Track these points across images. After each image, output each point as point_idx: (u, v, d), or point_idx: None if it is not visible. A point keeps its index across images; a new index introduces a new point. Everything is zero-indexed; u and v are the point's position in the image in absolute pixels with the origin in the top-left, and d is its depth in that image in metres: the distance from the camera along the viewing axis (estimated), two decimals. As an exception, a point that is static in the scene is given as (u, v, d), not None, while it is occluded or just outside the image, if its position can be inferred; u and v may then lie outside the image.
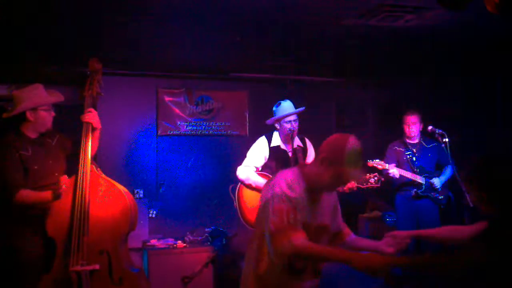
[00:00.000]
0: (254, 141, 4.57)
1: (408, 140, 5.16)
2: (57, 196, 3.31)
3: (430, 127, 4.95)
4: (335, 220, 2.63)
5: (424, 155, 5.11)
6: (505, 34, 4.39)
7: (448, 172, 5.02)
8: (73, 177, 3.47)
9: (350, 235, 2.69)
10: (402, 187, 5.11)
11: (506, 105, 5.41)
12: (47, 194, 3.34)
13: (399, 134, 5.25)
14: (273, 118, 4.43)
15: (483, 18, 3.46)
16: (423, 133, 5.10)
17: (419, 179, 4.98)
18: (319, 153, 2.42)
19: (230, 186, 4.46)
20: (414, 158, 5.09)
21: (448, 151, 4.77)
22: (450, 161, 4.76)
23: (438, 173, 5.10)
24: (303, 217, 2.34)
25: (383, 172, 4.78)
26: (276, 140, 4.44)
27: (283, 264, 2.36)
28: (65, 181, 3.33)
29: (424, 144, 5.15)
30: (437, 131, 4.90)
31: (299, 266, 2.37)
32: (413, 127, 5.07)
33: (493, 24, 3.91)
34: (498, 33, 4.39)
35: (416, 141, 5.16)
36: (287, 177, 2.39)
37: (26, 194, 3.34)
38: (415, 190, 5.01)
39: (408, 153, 5.12)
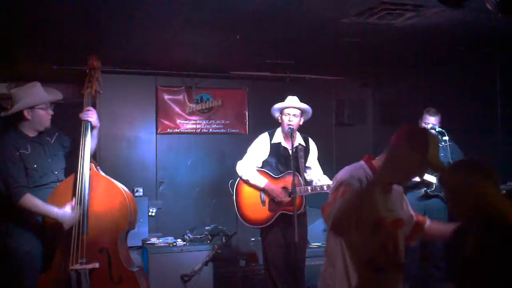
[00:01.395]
0: (253, 139, 4.57)
1: None
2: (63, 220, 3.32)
3: (429, 125, 4.94)
4: (406, 210, 2.63)
5: None
6: (505, 33, 4.38)
7: None
8: (73, 175, 3.47)
9: (426, 222, 2.68)
10: (411, 186, 5.01)
11: (506, 103, 5.40)
12: (53, 209, 3.32)
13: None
14: (275, 107, 4.43)
15: (483, 16, 3.45)
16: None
17: (430, 178, 4.93)
18: (393, 145, 2.41)
19: (230, 181, 4.47)
20: None
21: (449, 149, 4.76)
22: (450, 160, 4.75)
23: None
24: (375, 211, 2.35)
25: None
26: (278, 137, 4.45)
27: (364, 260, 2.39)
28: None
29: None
30: (436, 130, 4.90)
31: (380, 262, 2.38)
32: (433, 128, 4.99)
33: (493, 22, 3.90)
34: (498, 32, 4.38)
35: None
36: (352, 168, 2.48)
37: (34, 202, 3.30)
38: (425, 189, 4.94)
39: None
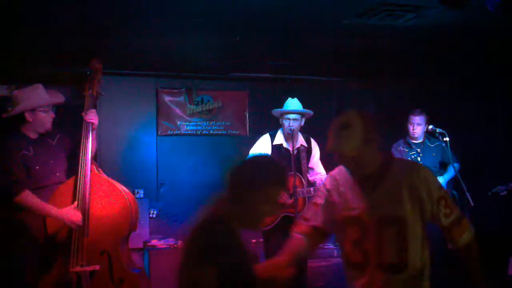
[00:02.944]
0: (254, 141, 4.57)
1: (412, 140, 5.11)
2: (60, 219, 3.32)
3: (430, 126, 4.94)
4: (413, 208, 2.24)
5: (428, 154, 5.03)
6: (505, 33, 4.39)
7: (451, 170, 4.95)
8: (74, 177, 3.47)
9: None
10: None
11: (506, 104, 5.41)
12: (52, 209, 3.32)
13: (400, 133, 5.23)
14: (275, 110, 4.43)
15: (484, 17, 3.45)
16: (426, 132, 5.05)
17: None
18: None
19: None
20: (419, 158, 5.00)
21: (449, 150, 4.76)
22: (451, 160, 4.75)
23: (442, 172, 5.04)
24: (346, 208, 2.31)
25: None
26: (279, 138, 4.44)
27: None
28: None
29: (428, 143, 5.08)
30: (437, 130, 4.89)
31: (357, 260, 2.30)
32: (417, 127, 4.99)
33: (494, 23, 3.90)
34: (499, 32, 4.38)
35: (420, 140, 5.10)
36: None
37: (31, 198, 3.31)
38: None
39: (413, 153, 5.04)
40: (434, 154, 5.04)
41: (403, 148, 5.09)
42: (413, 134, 5.04)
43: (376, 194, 2.26)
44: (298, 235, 2.46)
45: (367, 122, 2.25)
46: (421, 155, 5.04)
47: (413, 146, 5.08)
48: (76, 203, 3.37)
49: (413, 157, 5.03)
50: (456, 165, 5.01)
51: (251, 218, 2.02)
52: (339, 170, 2.41)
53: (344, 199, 2.34)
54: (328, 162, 4.85)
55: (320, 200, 2.46)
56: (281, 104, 4.49)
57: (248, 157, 2.15)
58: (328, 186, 2.44)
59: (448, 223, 2.27)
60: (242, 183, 1.99)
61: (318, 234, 2.46)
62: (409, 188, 2.23)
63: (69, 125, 3.85)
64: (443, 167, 5.08)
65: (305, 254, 2.49)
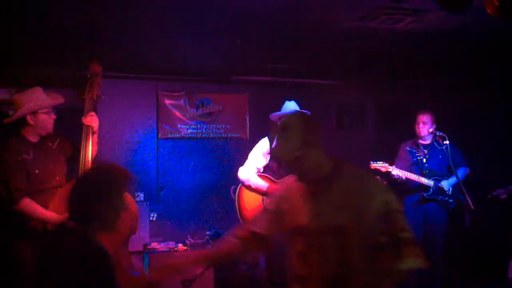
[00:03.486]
0: (254, 144, 4.57)
1: (420, 141, 5.06)
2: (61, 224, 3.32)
3: (431, 129, 4.93)
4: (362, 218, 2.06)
5: (435, 156, 4.98)
6: (505, 36, 4.39)
7: (459, 174, 4.87)
8: (74, 180, 3.47)
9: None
10: (412, 190, 4.92)
11: (506, 105, 5.40)
12: (52, 215, 3.33)
13: (400, 135, 5.23)
14: (274, 114, 4.44)
15: (483, 21, 3.46)
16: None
17: (426, 182, 4.89)
18: None
19: (232, 187, 4.47)
20: (424, 160, 4.98)
21: (449, 154, 4.75)
22: (452, 164, 4.74)
23: (449, 175, 4.97)
24: (293, 218, 2.18)
25: (388, 175, 4.68)
26: (278, 141, 4.44)
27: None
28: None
29: (436, 145, 5.04)
30: (437, 134, 4.88)
31: (300, 273, 2.17)
32: (423, 126, 4.95)
33: (493, 26, 3.90)
34: (498, 35, 4.39)
35: (428, 142, 5.05)
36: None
37: (32, 206, 3.33)
38: (423, 193, 4.87)
39: (419, 154, 5.02)
40: (441, 156, 4.99)
41: (410, 148, 5.04)
42: (419, 133, 5.01)
43: (322, 202, 2.10)
44: (230, 238, 2.34)
45: (308, 124, 2.15)
46: (427, 156, 4.99)
47: (421, 148, 5.03)
48: None
49: (418, 158, 4.99)
50: (465, 169, 4.98)
51: (109, 224, 2.12)
52: (294, 177, 2.25)
53: (294, 207, 2.19)
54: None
55: (270, 206, 2.33)
56: (281, 108, 4.50)
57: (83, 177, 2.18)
58: (280, 193, 2.32)
59: (387, 241, 2.04)
60: (91, 198, 2.10)
61: (255, 241, 2.30)
62: (357, 198, 2.08)
63: (69, 128, 3.85)
64: (451, 171, 4.97)
65: (233, 258, 2.35)
